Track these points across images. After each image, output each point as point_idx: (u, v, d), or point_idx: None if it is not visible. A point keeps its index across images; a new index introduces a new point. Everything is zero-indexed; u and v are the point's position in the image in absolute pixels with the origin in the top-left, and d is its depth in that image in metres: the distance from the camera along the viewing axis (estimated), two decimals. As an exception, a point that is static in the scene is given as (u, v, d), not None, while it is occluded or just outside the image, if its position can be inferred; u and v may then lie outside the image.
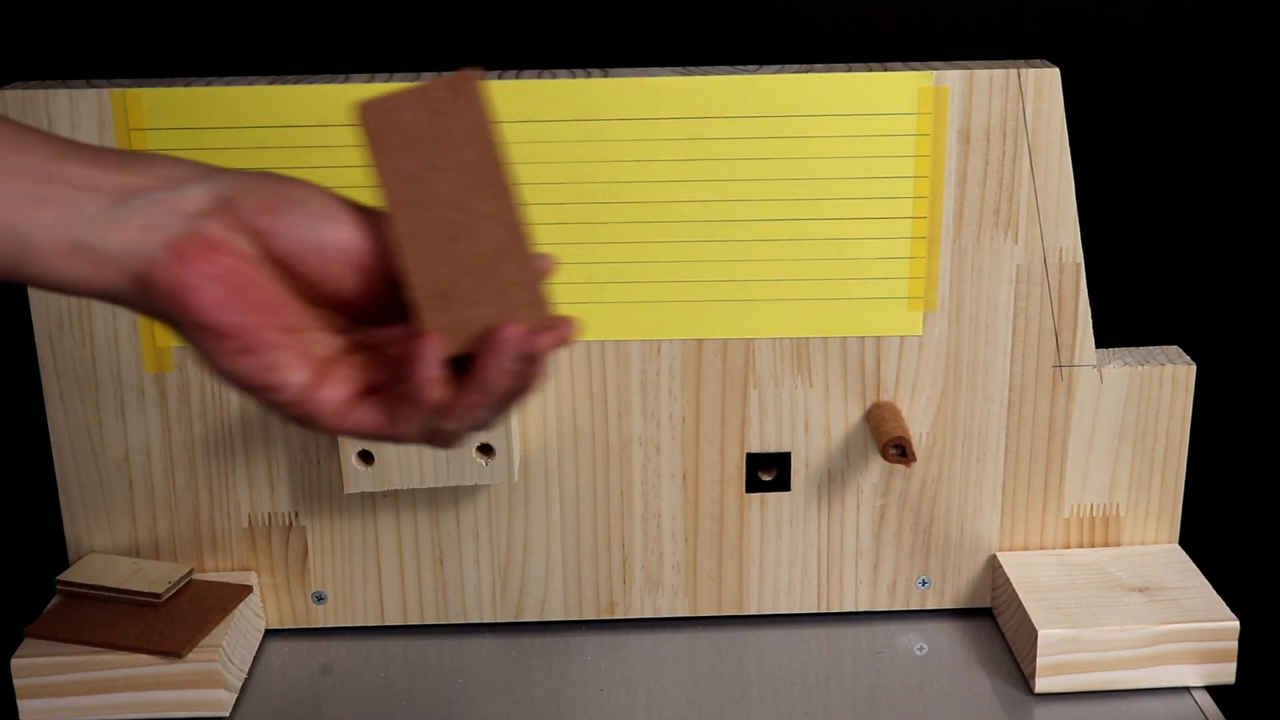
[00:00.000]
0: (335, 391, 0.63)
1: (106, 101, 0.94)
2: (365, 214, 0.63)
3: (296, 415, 0.63)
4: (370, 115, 0.62)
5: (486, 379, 0.62)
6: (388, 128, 0.62)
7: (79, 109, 0.94)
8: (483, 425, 0.64)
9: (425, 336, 0.61)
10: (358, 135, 0.63)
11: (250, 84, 0.94)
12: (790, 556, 1.04)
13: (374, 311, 0.64)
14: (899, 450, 0.97)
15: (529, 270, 0.63)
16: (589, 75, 0.95)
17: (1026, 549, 1.05)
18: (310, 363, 0.63)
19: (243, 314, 0.61)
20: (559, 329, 0.63)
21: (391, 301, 0.63)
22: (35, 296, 0.97)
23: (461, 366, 0.62)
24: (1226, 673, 0.97)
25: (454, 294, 0.62)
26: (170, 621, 0.97)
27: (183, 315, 0.61)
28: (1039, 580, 1.01)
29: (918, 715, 0.96)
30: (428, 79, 0.95)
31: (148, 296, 0.61)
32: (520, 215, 0.63)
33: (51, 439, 1.01)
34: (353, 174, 0.95)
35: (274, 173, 0.65)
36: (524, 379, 0.63)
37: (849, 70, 0.95)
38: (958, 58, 1.01)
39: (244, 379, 0.62)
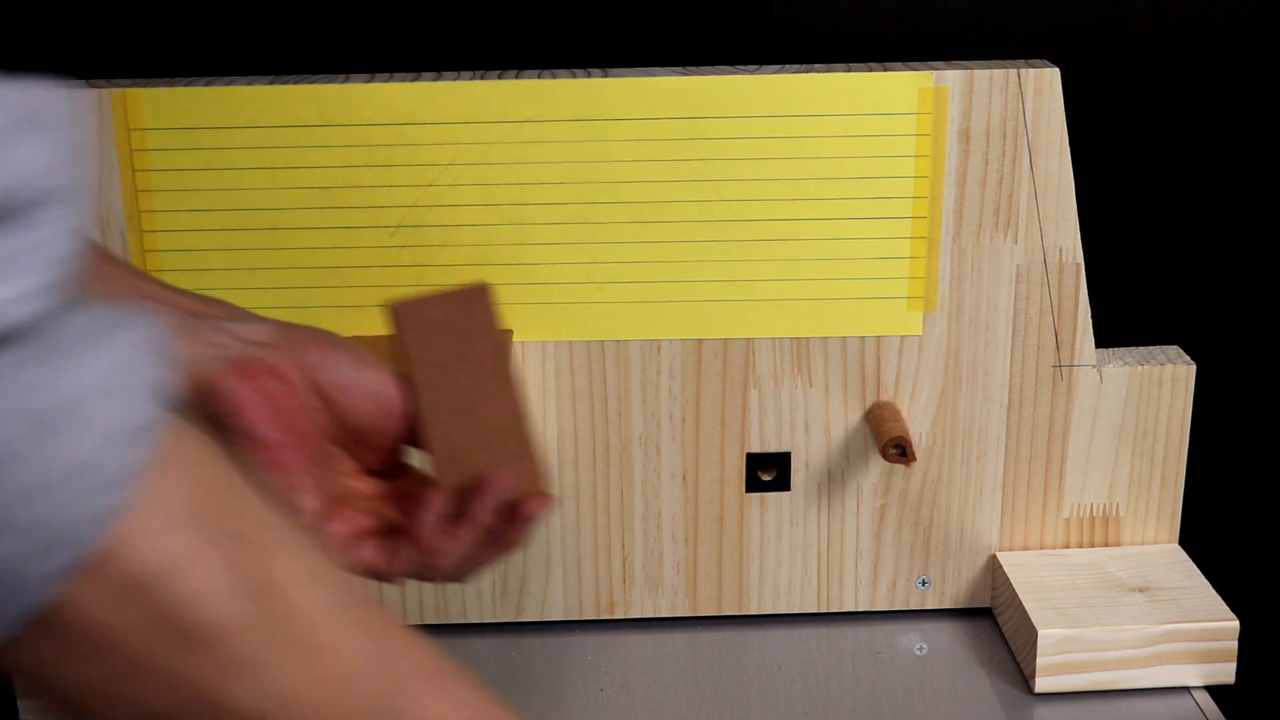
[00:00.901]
0: (340, 527, 0.72)
1: (106, 101, 0.94)
2: (396, 373, 0.74)
3: None
4: (402, 313, 0.75)
5: (475, 516, 0.71)
6: (416, 323, 0.74)
7: (78, 109, 0.94)
8: (466, 571, 0.74)
9: (434, 488, 0.72)
10: (389, 327, 0.75)
11: (250, 84, 0.94)
12: (790, 556, 1.04)
13: (389, 454, 0.75)
14: (899, 450, 0.97)
15: (527, 446, 0.75)
16: (589, 75, 0.95)
17: (1026, 549, 1.05)
18: (324, 495, 0.71)
19: (280, 432, 0.70)
20: (546, 497, 0.73)
21: (403, 443, 0.75)
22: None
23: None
24: (1226, 673, 0.97)
25: (464, 458, 0.74)
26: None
27: (231, 420, 0.69)
28: (1039, 580, 1.01)
29: (918, 715, 0.96)
30: (427, 78, 0.95)
31: (202, 400, 0.69)
32: (522, 401, 0.75)
33: (51, 439, 1.00)
34: (352, 174, 0.96)
35: (323, 329, 0.76)
36: (509, 534, 0.73)
37: (849, 70, 0.95)
38: (958, 58, 1.01)
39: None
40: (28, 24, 1.08)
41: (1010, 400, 1.01)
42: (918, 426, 1.01)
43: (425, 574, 0.73)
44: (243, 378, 0.70)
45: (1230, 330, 1.18)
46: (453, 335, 0.75)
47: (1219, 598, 0.99)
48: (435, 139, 0.95)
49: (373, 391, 0.73)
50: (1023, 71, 0.95)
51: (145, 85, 0.94)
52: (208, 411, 0.69)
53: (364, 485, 0.75)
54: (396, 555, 0.72)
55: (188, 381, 0.69)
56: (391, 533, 0.73)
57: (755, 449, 1.02)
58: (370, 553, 0.72)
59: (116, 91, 0.94)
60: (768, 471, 1.03)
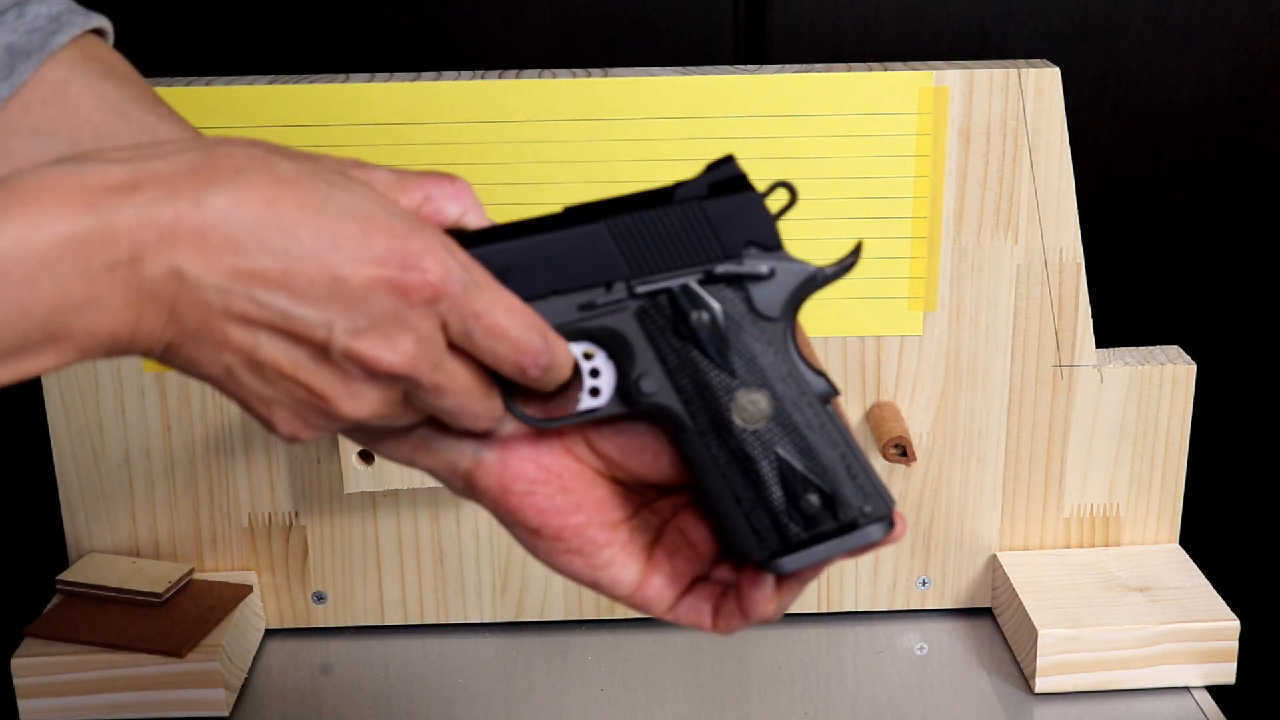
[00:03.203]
0: (662, 589, 0.62)
1: (107, 101, 0.94)
2: None
3: (626, 605, 0.63)
4: None
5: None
6: None
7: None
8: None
9: (762, 573, 0.60)
10: None
11: (250, 84, 0.94)
12: (790, 556, 1.04)
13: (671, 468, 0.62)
14: (899, 450, 0.97)
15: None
16: (589, 75, 0.95)
17: (1026, 549, 1.05)
18: (637, 554, 0.62)
19: (569, 515, 0.60)
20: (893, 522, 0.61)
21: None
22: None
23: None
24: (1226, 673, 0.97)
25: None
26: (170, 621, 0.97)
27: (512, 519, 0.61)
28: (1039, 580, 1.01)
29: (918, 715, 0.96)
30: (427, 78, 0.95)
31: (472, 494, 0.61)
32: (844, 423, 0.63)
33: (51, 439, 1.01)
34: (353, 174, 0.96)
35: None
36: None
37: (849, 70, 0.95)
38: (958, 58, 1.01)
39: (576, 577, 0.61)
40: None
41: (1010, 400, 1.01)
42: (918, 426, 1.01)
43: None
44: (506, 466, 0.60)
45: (1230, 330, 1.18)
46: None
47: (1219, 598, 0.99)
48: (435, 139, 0.95)
49: (659, 445, 0.61)
50: (1023, 71, 0.95)
51: (145, 85, 0.94)
52: (479, 502, 0.61)
53: (663, 510, 0.63)
54: (727, 618, 0.62)
55: (457, 479, 0.60)
56: (715, 580, 0.62)
57: (755, 449, 1.02)
58: (694, 611, 0.62)
59: (116, 91, 0.94)
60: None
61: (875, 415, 1.00)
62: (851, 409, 1.01)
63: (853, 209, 0.97)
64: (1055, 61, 0.97)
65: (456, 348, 0.55)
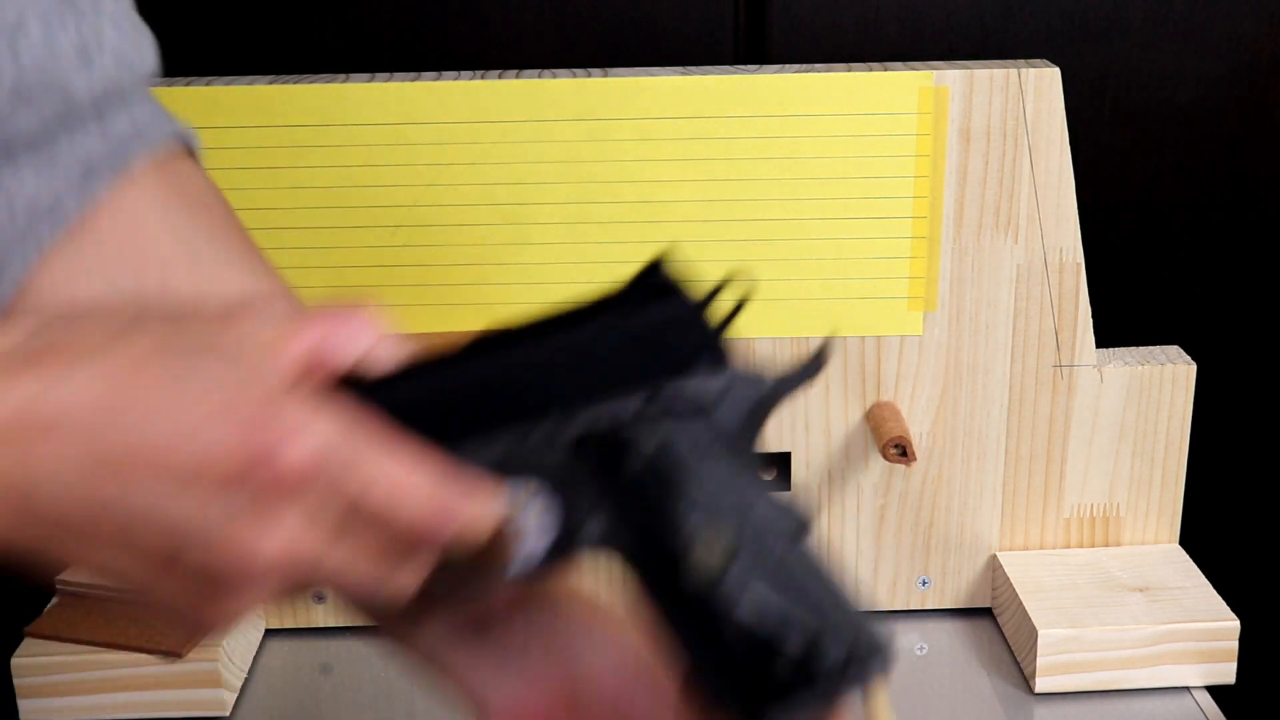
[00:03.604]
0: None
1: (106, 101, 0.94)
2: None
3: None
4: None
5: None
6: None
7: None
8: None
9: None
10: None
11: (250, 84, 0.94)
12: (790, 556, 1.04)
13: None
14: (899, 450, 0.97)
15: None
16: (589, 75, 0.95)
17: (1026, 549, 1.05)
18: None
19: None
20: None
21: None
22: (35, 296, 0.97)
23: None
24: (1226, 673, 0.97)
25: None
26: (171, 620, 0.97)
27: None
28: (1039, 580, 1.01)
29: (918, 715, 0.96)
30: (427, 78, 0.95)
31: None
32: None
33: (51, 439, 1.00)
34: (352, 174, 0.96)
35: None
36: None
37: (849, 70, 0.95)
38: (958, 58, 1.01)
39: None
40: (28, 24, 1.08)
41: (1010, 400, 1.01)
42: (918, 426, 1.01)
43: None
44: None
45: (1230, 330, 1.18)
46: None
47: (1219, 598, 0.99)
48: (435, 139, 0.95)
49: (623, 668, 0.57)
50: (1023, 71, 0.95)
51: (145, 85, 0.94)
52: None
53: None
54: None
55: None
56: None
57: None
58: None
59: (116, 91, 0.94)
60: (768, 471, 1.02)
61: (875, 415, 1.00)
62: (851, 409, 1.01)
63: (853, 209, 0.97)
64: (1055, 61, 0.97)
65: (353, 522, 0.49)
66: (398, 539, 0.50)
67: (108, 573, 0.50)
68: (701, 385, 0.52)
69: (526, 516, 0.51)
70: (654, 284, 0.53)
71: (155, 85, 0.95)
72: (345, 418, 0.49)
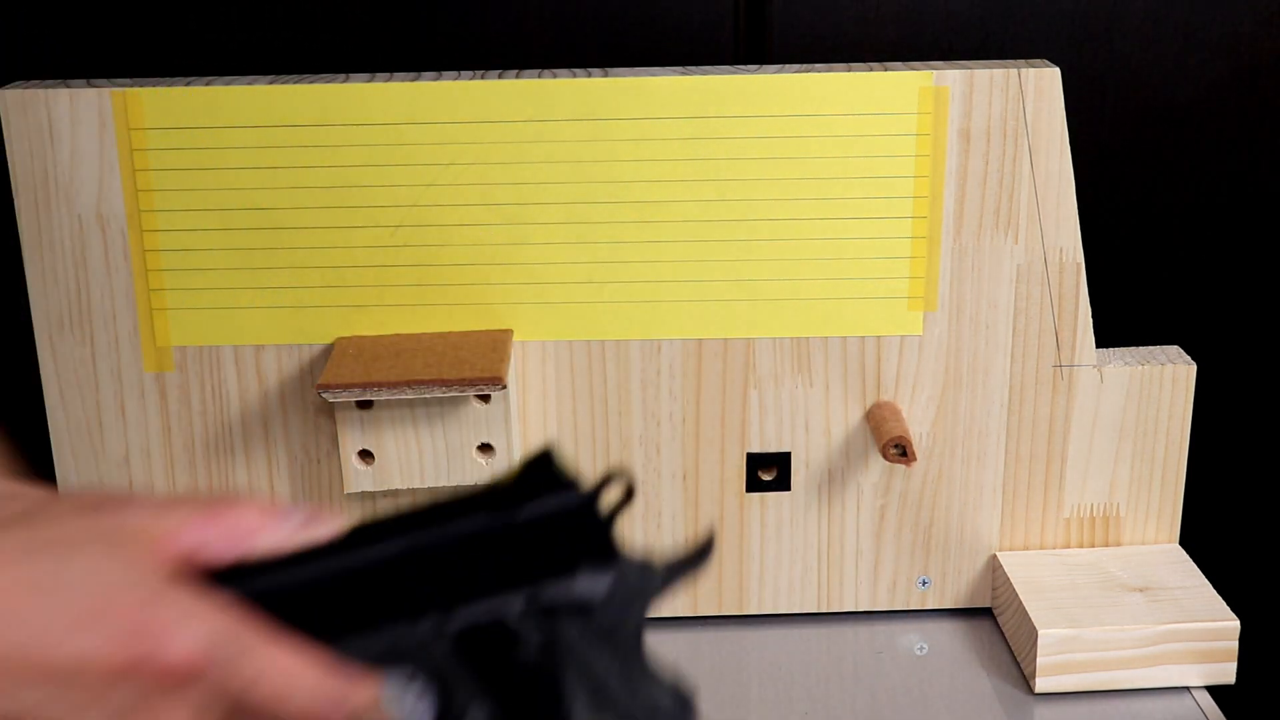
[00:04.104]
0: None
1: (107, 101, 0.94)
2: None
3: None
4: None
5: None
6: None
7: (79, 109, 0.94)
8: None
9: None
10: None
11: (250, 84, 0.94)
12: (790, 556, 1.04)
13: None
14: (899, 450, 0.97)
15: None
16: (589, 75, 0.95)
17: (1026, 549, 1.05)
18: None
19: None
20: None
21: None
22: (35, 296, 0.97)
23: None
24: (1226, 673, 0.97)
25: None
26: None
27: None
28: (1039, 580, 1.01)
29: (918, 715, 0.96)
30: (427, 78, 0.95)
31: None
32: None
33: (51, 439, 1.01)
34: (352, 174, 0.96)
35: None
36: None
37: (849, 70, 0.95)
38: (958, 58, 1.01)
39: None
40: (29, 24, 1.08)
41: (1010, 400, 1.01)
42: (918, 426, 1.01)
43: None
44: None
45: (1230, 330, 1.18)
46: None
47: (1219, 598, 0.99)
48: (435, 139, 0.95)
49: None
50: (1023, 71, 0.95)
51: (145, 85, 0.94)
52: None
53: None
54: None
55: None
56: None
57: (755, 449, 1.02)
58: None
59: (116, 91, 0.94)
60: (768, 471, 1.03)
61: (875, 415, 1.00)
62: (851, 409, 1.01)
63: (853, 209, 0.97)
64: (1055, 61, 0.97)
65: (241, 713, 0.49)
66: None
67: None
68: (587, 584, 0.52)
69: (405, 705, 0.51)
70: (543, 475, 0.53)
71: (156, 85, 0.95)
72: (229, 609, 0.49)
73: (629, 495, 0.53)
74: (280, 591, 0.50)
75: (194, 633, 0.48)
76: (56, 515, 0.50)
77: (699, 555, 0.55)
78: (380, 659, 0.51)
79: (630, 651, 0.53)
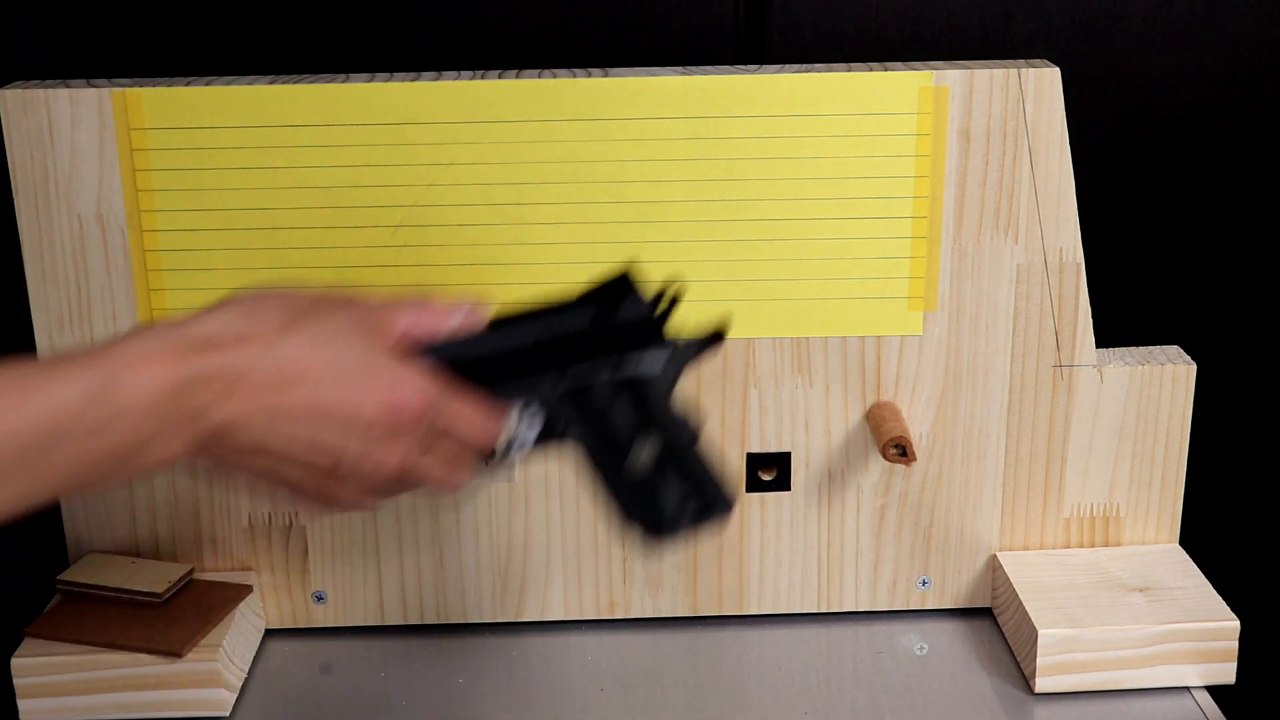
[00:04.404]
0: None
1: (106, 101, 0.94)
2: None
3: None
4: None
5: None
6: None
7: (79, 109, 0.94)
8: None
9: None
10: None
11: (250, 84, 0.95)
12: (790, 556, 1.04)
13: None
14: (899, 450, 0.97)
15: None
16: (589, 75, 0.95)
17: (1026, 549, 1.05)
18: None
19: None
20: None
21: None
22: (35, 296, 0.97)
23: None
24: (1226, 673, 0.97)
25: None
26: (171, 620, 0.97)
27: None
28: (1039, 580, 1.01)
29: (918, 715, 0.96)
30: (427, 78, 0.95)
31: None
32: None
33: (51, 439, 1.00)
34: (352, 174, 0.96)
35: None
36: None
37: (849, 70, 0.95)
38: (958, 58, 1.01)
39: None
40: (29, 24, 1.08)
41: (1010, 400, 1.01)
42: (918, 426, 1.01)
43: None
44: None
45: (1230, 330, 1.18)
46: None
47: (1219, 598, 0.99)
48: (435, 139, 0.95)
49: None
50: (1023, 71, 0.95)
51: (145, 85, 0.94)
52: None
53: None
54: None
55: None
56: None
57: (755, 449, 1.02)
58: None
59: (116, 91, 0.94)
60: (768, 471, 1.03)
61: (875, 415, 1.00)
62: (851, 409, 1.01)
63: (853, 209, 0.97)
64: (1055, 61, 0.97)
65: (437, 442, 0.75)
66: (463, 451, 0.76)
67: (268, 477, 0.72)
68: (650, 360, 0.79)
69: (525, 422, 0.78)
70: (623, 282, 0.79)
71: (156, 85, 0.95)
72: (434, 375, 0.74)
73: (676, 298, 0.79)
74: (458, 359, 0.76)
75: (422, 394, 0.73)
76: (328, 311, 0.72)
77: (714, 338, 0.80)
78: (514, 399, 0.77)
79: (669, 400, 0.79)
